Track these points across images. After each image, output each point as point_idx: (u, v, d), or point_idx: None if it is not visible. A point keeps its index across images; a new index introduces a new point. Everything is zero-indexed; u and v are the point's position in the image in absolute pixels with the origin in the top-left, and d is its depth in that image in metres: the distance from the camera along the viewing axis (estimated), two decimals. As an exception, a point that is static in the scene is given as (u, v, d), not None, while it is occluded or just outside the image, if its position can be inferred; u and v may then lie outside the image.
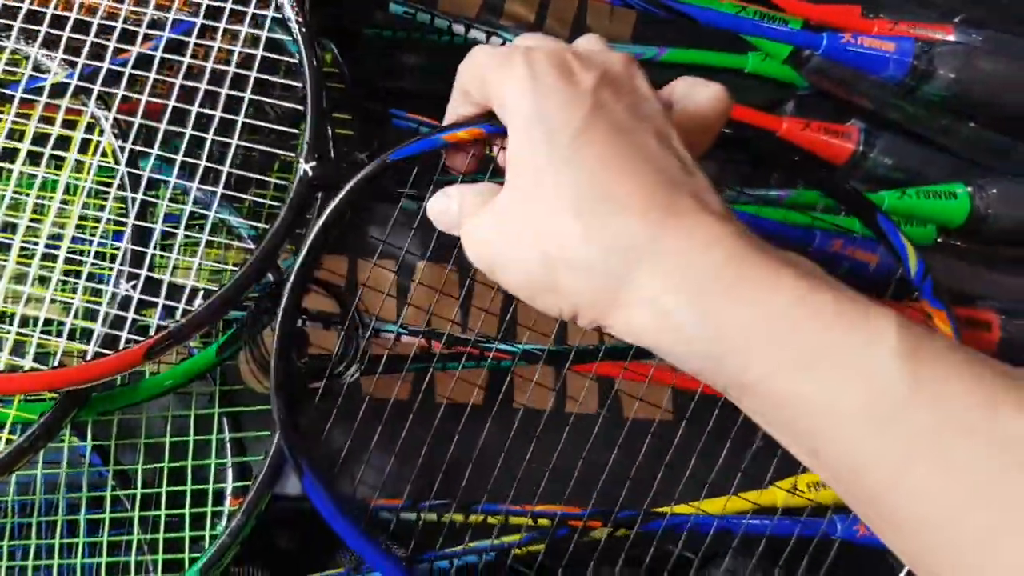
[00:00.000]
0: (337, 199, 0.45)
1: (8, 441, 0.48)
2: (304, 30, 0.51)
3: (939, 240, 0.64)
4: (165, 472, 0.52)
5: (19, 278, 0.49)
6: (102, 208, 0.49)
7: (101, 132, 0.50)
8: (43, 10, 0.52)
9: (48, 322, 0.47)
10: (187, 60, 0.51)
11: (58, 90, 0.51)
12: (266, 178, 0.51)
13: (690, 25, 0.63)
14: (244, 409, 0.56)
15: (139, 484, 0.52)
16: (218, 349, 0.52)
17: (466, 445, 0.59)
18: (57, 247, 0.48)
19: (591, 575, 0.58)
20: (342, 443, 0.58)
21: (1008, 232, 0.60)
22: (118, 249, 0.49)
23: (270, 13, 0.52)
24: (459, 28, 0.64)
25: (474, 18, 0.69)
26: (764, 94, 0.70)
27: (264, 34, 0.51)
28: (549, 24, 0.71)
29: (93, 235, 0.51)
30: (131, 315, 0.47)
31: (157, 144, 0.50)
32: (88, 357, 0.46)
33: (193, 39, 0.52)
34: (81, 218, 0.52)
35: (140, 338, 0.46)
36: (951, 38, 0.62)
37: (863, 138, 0.65)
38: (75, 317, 0.47)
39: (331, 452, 0.58)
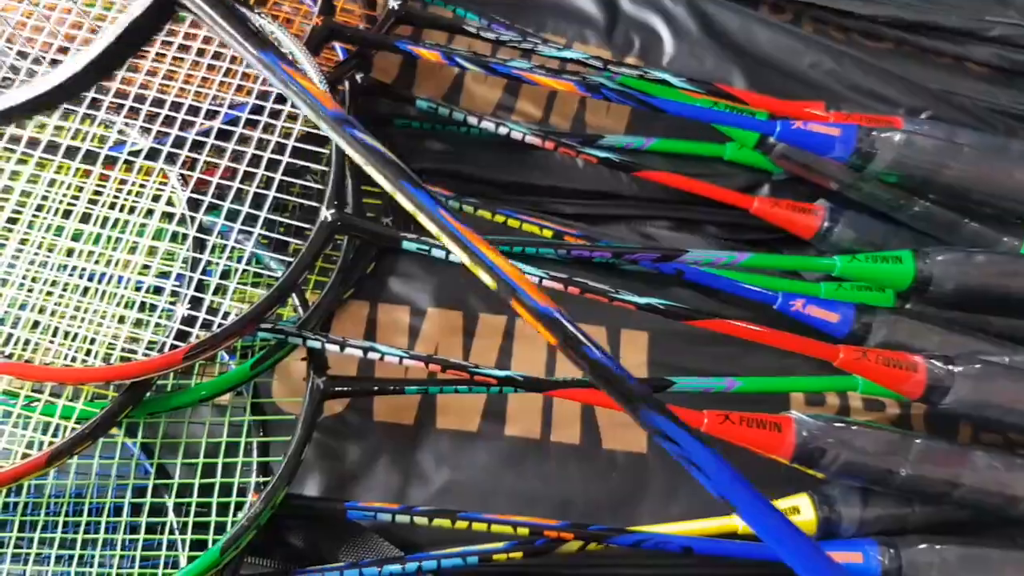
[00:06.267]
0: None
1: (73, 429, 0.58)
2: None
3: (900, 306, 0.72)
4: (199, 468, 0.61)
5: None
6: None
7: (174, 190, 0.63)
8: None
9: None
10: (256, 134, 0.63)
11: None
12: (294, 222, 0.62)
13: (677, 119, 0.74)
14: (270, 418, 0.65)
15: (176, 476, 0.61)
16: (252, 364, 0.62)
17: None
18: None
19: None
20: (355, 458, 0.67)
21: (950, 295, 0.67)
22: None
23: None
24: (472, 120, 0.75)
25: (489, 114, 0.81)
26: (744, 179, 0.80)
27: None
28: (553, 119, 0.81)
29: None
30: (176, 326, 0.58)
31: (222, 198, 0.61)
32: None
33: (264, 117, 0.64)
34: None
35: (181, 343, 0.57)
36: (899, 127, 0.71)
37: (828, 215, 0.73)
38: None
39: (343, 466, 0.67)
